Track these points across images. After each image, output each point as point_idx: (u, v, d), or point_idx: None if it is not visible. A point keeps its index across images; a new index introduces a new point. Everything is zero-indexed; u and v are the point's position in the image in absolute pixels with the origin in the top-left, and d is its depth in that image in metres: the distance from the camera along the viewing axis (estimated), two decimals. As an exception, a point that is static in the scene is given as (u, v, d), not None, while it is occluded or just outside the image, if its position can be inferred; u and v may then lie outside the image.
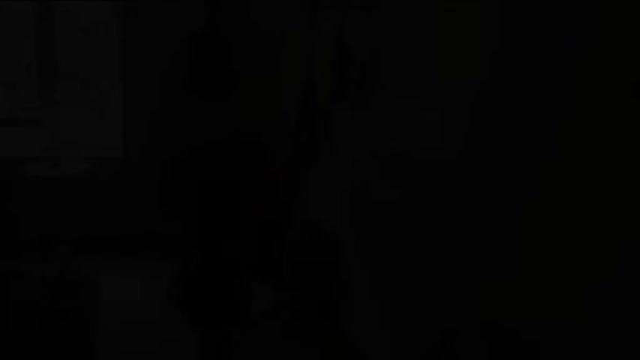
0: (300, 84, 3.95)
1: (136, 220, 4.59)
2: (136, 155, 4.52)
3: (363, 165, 3.36)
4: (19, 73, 4.51)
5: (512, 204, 2.16)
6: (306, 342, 3.54)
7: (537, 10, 1.95)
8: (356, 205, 3.46)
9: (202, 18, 4.23)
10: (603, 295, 1.67)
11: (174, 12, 4.32)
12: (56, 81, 4.38)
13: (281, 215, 4.00)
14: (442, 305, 2.51)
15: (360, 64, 3.32)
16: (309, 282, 3.73)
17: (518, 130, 2.10)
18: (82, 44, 4.66)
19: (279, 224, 3.93)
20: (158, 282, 2.73)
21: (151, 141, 4.44)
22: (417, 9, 2.79)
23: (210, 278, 2.49)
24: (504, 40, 2.14)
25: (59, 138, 3.32)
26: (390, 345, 3.08)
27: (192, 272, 2.51)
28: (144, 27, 4.32)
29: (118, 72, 4.46)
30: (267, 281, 4.03)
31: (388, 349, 3.09)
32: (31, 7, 4.18)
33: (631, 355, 1.56)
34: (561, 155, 1.84)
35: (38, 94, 4.37)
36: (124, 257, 4.39)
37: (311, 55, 3.78)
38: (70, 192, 3.61)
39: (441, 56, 2.60)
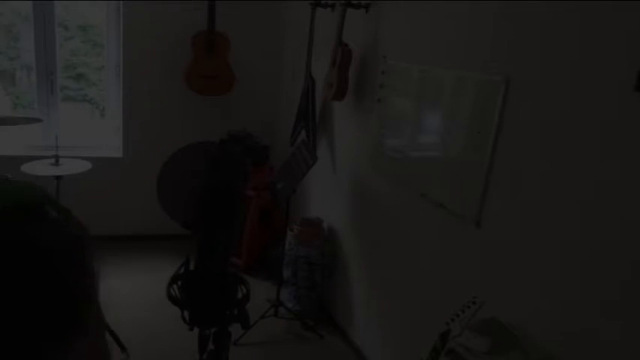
0: (299, 83, 3.94)
1: (135, 220, 4.59)
2: (136, 155, 4.51)
3: (362, 163, 3.35)
4: (18, 73, 4.52)
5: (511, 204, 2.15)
6: (307, 342, 3.53)
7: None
8: (356, 205, 3.45)
9: (203, 16, 4.22)
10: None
11: (175, 11, 4.32)
12: (56, 81, 4.38)
13: (280, 214, 4.00)
14: (441, 305, 2.50)
15: (359, 63, 3.32)
16: (307, 281, 3.73)
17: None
18: (82, 43, 4.66)
19: (279, 223, 3.92)
20: (158, 282, 2.73)
21: (150, 140, 4.44)
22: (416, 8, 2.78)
23: (210, 278, 2.49)
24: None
25: (59, 138, 3.31)
26: (389, 345, 3.07)
27: (192, 272, 2.51)
28: (144, 26, 4.31)
29: (118, 71, 4.45)
30: (267, 281, 4.02)
31: (387, 349, 3.08)
32: (31, 7, 4.17)
33: None
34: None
35: (38, 94, 4.37)
36: (124, 257, 4.38)
37: (311, 54, 3.78)
38: (69, 192, 3.61)
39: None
